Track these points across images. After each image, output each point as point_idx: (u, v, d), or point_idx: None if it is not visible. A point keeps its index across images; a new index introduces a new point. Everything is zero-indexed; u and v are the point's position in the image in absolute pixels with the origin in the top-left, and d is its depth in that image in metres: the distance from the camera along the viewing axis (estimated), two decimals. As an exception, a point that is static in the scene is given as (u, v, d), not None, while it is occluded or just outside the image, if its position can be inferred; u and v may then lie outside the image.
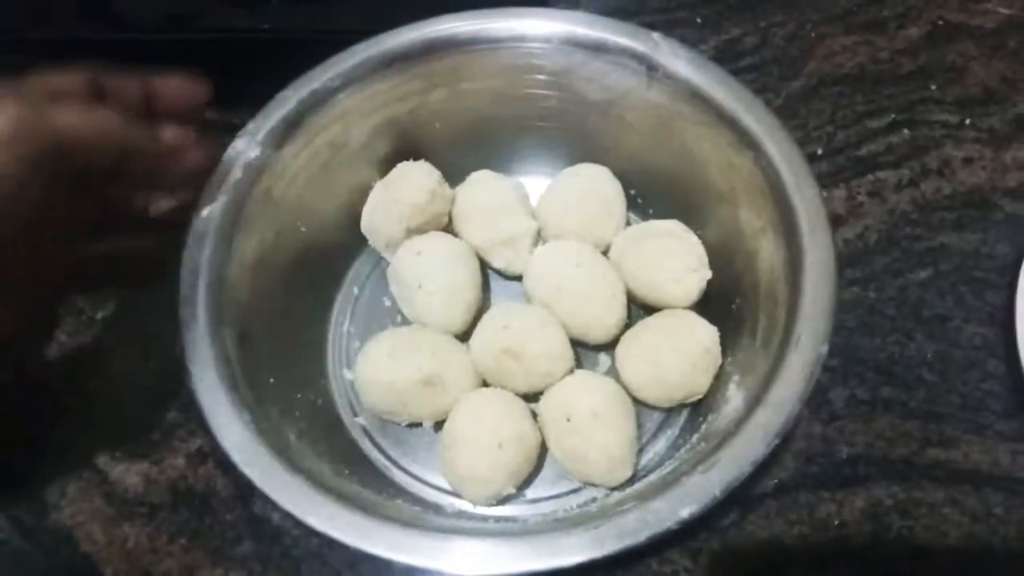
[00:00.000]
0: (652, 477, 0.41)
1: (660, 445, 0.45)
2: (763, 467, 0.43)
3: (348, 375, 0.48)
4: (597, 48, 0.46)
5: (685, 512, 0.34)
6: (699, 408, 0.44)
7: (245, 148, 0.44)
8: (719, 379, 0.43)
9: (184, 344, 0.38)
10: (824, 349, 0.36)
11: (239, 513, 0.45)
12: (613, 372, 0.46)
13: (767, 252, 0.41)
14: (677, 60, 0.44)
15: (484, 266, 0.50)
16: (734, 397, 0.39)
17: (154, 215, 0.42)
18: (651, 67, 0.45)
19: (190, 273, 0.40)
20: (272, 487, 0.36)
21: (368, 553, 0.34)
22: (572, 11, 0.47)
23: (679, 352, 0.43)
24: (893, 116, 0.56)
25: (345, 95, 0.46)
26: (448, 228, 0.51)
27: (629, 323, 0.47)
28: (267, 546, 0.44)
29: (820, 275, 0.38)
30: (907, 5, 0.61)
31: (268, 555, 0.44)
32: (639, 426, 0.44)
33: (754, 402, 0.36)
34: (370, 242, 0.50)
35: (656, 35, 0.45)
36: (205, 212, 0.42)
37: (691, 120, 0.45)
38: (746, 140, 0.42)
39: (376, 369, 0.44)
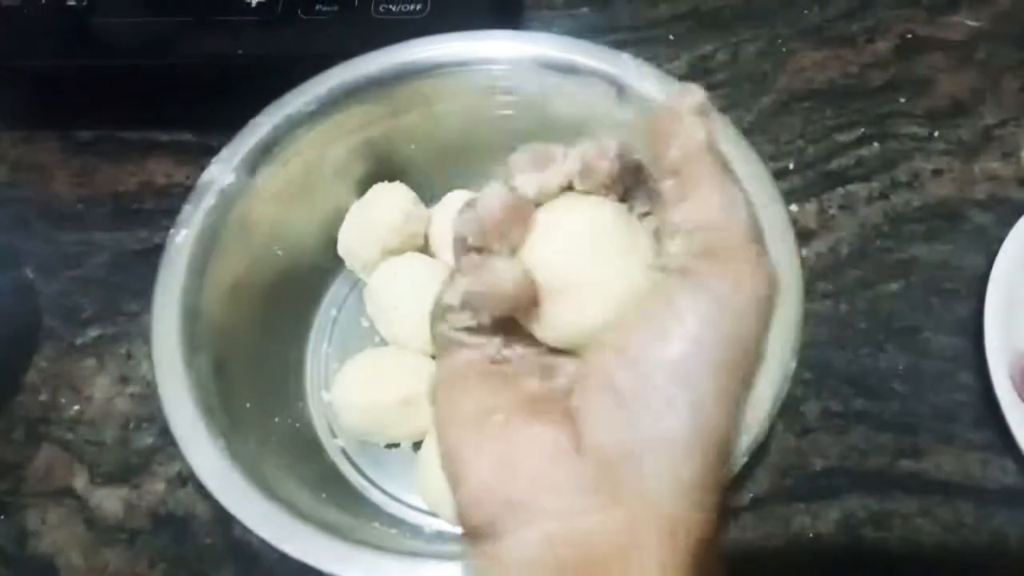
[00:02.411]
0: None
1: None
2: (738, 481, 0.45)
3: (326, 397, 0.48)
4: (567, 69, 0.46)
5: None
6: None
7: (219, 174, 0.44)
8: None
9: (157, 371, 0.39)
10: (793, 364, 0.37)
11: (219, 537, 0.45)
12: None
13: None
14: (645, 80, 0.45)
15: (461, 285, 0.51)
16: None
17: None
18: (620, 87, 0.45)
19: (164, 299, 0.40)
20: (247, 514, 0.36)
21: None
22: (541, 33, 0.47)
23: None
24: (863, 130, 0.57)
25: (319, 119, 0.47)
26: (424, 249, 0.51)
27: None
28: (247, 570, 0.45)
29: (786, 292, 0.38)
30: (876, 19, 0.62)
31: (248, 579, 0.45)
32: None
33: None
34: (347, 264, 0.51)
35: (625, 55, 0.46)
36: (179, 238, 0.42)
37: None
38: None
39: (353, 391, 0.45)
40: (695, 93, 0.24)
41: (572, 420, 0.23)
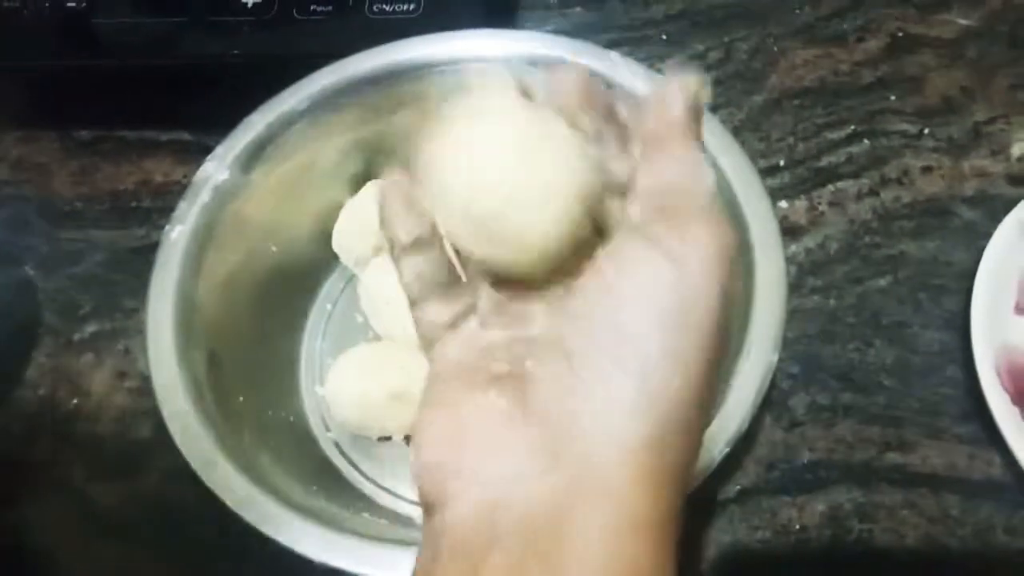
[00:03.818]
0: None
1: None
2: (726, 473, 0.45)
3: (320, 391, 0.49)
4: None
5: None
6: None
7: (214, 171, 0.45)
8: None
9: (152, 365, 0.39)
10: (775, 357, 0.38)
11: (214, 530, 0.46)
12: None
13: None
14: (635, 79, 0.46)
15: (454, 281, 0.51)
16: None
17: None
18: (610, 86, 0.46)
19: (159, 294, 0.41)
20: (242, 506, 0.37)
21: (339, 569, 0.35)
22: (531, 32, 0.48)
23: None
24: (853, 127, 0.57)
25: (313, 117, 0.48)
26: (418, 245, 0.52)
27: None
28: (242, 561, 0.45)
29: (771, 286, 0.39)
30: (867, 18, 0.62)
31: (244, 571, 0.45)
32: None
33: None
34: (341, 260, 0.51)
35: (614, 54, 0.47)
36: (174, 234, 0.43)
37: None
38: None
39: (346, 385, 0.45)
40: (690, 75, 0.24)
41: (523, 390, 0.23)
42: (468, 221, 0.23)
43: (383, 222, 0.26)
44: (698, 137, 0.24)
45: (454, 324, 0.26)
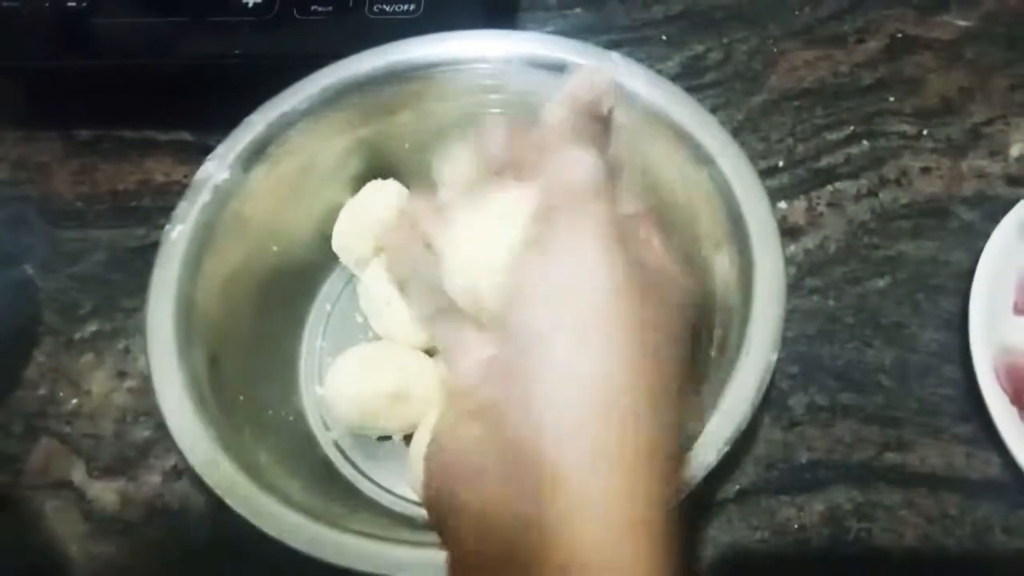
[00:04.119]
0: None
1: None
2: (725, 473, 0.45)
3: (320, 390, 0.49)
4: (557, 68, 0.47)
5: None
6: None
7: (214, 171, 0.45)
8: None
9: (152, 364, 0.39)
10: (774, 356, 0.38)
11: (213, 529, 0.46)
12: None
13: (722, 263, 0.42)
14: (635, 79, 0.46)
15: (453, 281, 0.51)
16: (691, 406, 0.41)
17: None
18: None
19: (159, 293, 0.41)
20: (241, 505, 0.37)
21: (338, 566, 0.35)
22: (532, 32, 0.48)
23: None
24: (852, 128, 0.57)
25: (313, 118, 0.47)
26: (417, 245, 0.52)
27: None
28: (241, 560, 0.45)
29: (770, 285, 0.39)
30: (866, 19, 0.62)
31: (243, 570, 0.45)
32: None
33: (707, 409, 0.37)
34: (341, 260, 0.51)
35: (614, 55, 0.47)
36: (174, 234, 0.43)
37: (650, 137, 0.46)
38: (701, 156, 0.44)
39: (345, 384, 0.45)
40: (583, 74, 0.27)
41: (498, 413, 0.24)
42: (467, 297, 0.28)
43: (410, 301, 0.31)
44: (586, 134, 0.26)
45: (462, 334, 0.28)
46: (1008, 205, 0.50)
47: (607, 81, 0.27)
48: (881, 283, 0.51)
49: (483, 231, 0.27)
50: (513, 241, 0.26)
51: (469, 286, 0.28)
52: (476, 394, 0.25)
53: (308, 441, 0.48)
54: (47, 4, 0.57)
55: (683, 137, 0.44)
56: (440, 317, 0.29)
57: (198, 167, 0.45)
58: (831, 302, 0.51)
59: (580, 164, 0.25)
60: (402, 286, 0.30)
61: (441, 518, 0.25)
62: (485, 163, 0.28)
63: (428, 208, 0.29)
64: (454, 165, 0.29)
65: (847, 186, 0.55)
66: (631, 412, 0.22)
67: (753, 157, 0.48)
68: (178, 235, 0.43)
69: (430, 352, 0.48)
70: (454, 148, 0.29)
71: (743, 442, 0.40)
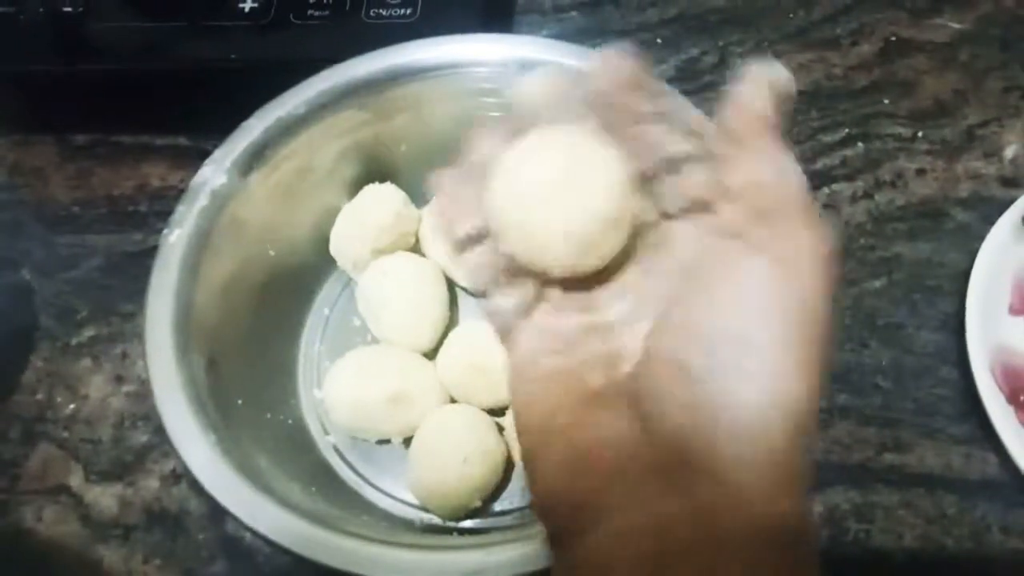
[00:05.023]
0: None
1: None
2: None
3: (318, 394, 0.49)
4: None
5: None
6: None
7: (212, 175, 0.45)
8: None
9: (150, 368, 0.39)
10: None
11: (212, 533, 0.46)
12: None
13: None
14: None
15: (451, 284, 0.51)
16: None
17: None
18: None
19: (157, 298, 0.41)
20: (240, 509, 0.37)
21: (338, 569, 0.35)
22: (527, 36, 0.48)
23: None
24: (847, 130, 0.57)
25: (310, 121, 0.48)
26: (415, 248, 0.52)
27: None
28: (240, 565, 0.45)
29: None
30: (860, 22, 0.63)
31: (241, 574, 0.45)
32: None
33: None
34: (339, 263, 0.51)
35: (610, 58, 0.47)
36: (172, 238, 0.43)
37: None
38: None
39: (344, 388, 0.45)
40: (776, 70, 0.23)
41: (637, 408, 0.22)
42: (523, 238, 0.25)
43: (441, 214, 0.26)
44: (782, 134, 0.23)
45: (526, 312, 0.26)
46: (1003, 206, 0.51)
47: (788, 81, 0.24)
48: (877, 284, 0.51)
49: (554, 172, 0.24)
50: (604, 192, 0.24)
51: (532, 231, 0.24)
52: (596, 372, 0.24)
53: (307, 445, 0.47)
54: (43, 9, 0.57)
55: (680, 139, 0.45)
56: (481, 241, 0.26)
57: (195, 172, 0.45)
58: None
59: (797, 169, 0.23)
60: (454, 249, 0.26)
61: (569, 521, 0.22)
62: (586, 99, 0.25)
63: (495, 140, 0.26)
64: (535, 87, 0.26)
65: (843, 188, 0.55)
66: (807, 436, 0.21)
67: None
68: (176, 239, 0.43)
69: (428, 355, 0.48)
70: (538, 73, 0.26)
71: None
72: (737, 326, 0.21)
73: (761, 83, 0.23)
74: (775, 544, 0.20)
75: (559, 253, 0.25)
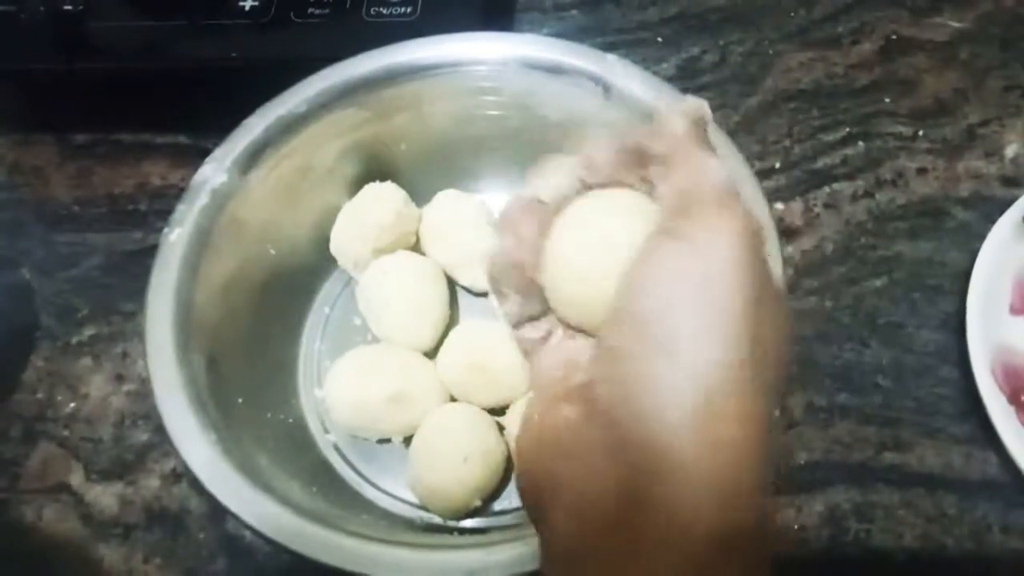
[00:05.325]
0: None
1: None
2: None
3: (319, 393, 0.49)
4: (553, 70, 0.47)
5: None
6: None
7: (212, 174, 0.45)
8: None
9: (151, 367, 0.39)
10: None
11: (212, 532, 0.46)
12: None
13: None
14: (630, 80, 0.46)
15: (452, 283, 0.51)
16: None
17: None
18: (606, 87, 0.46)
19: (158, 296, 0.41)
20: (240, 507, 0.37)
21: (338, 569, 0.35)
22: (528, 34, 0.48)
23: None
24: (848, 129, 0.57)
25: (311, 120, 0.48)
26: (415, 247, 0.52)
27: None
28: (240, 564, 0.45)
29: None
30: (861, 21, 0.63)
31: (242, 573, 0.45)
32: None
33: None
34: (339, 262, 0.51)
35: (610, 56, 0.47)
36: (172, 237, 0.43)
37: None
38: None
39: (345, 387, 0.45)
40: (691, 101, 0.26)
41: (589, 395, 0.25)
42: (575, 312, 0.28)
43: (506, 255, 0.29)
44: (706, 146, 0.26)
45: (545, 338, 0.29)
46: (1004, 205, 0.51)
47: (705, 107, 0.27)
48: (878, 284, 0.51)
49: (592, 239, 0.27)
50: (626, 248, 0.25)
51: (575, 294, 0.27)
52: (566, 381, 0.27)
53: (307, 444, 0.47)
54: (43, 7, 0.57)
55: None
56: (529, 322, 0.29)
57: (195, 170, 0.45)
58: (828, 303, 0.51)
59: (717, 168, 0.25)
60: (496, 289, 0.29)
61: (537, 499, 0.25)
62: (589, 174, 0.28)
63: (531, 212, 0.28)
64: (551, 175, 0.29)
65: (843, 187, 0.55)
66: (737, 401, 0.22)
67: (749, 159, 0.48)
68: (176, 238, 0.43)
69: (429, 354, 0.48)
70: (549, 161, 0.29)
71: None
72: (652, 305, 0.23)
73: (673, 111, 0.26)
74: (712, 503, 0.22)
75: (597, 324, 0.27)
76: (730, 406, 0.22)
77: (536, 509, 0.25)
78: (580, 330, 0.28)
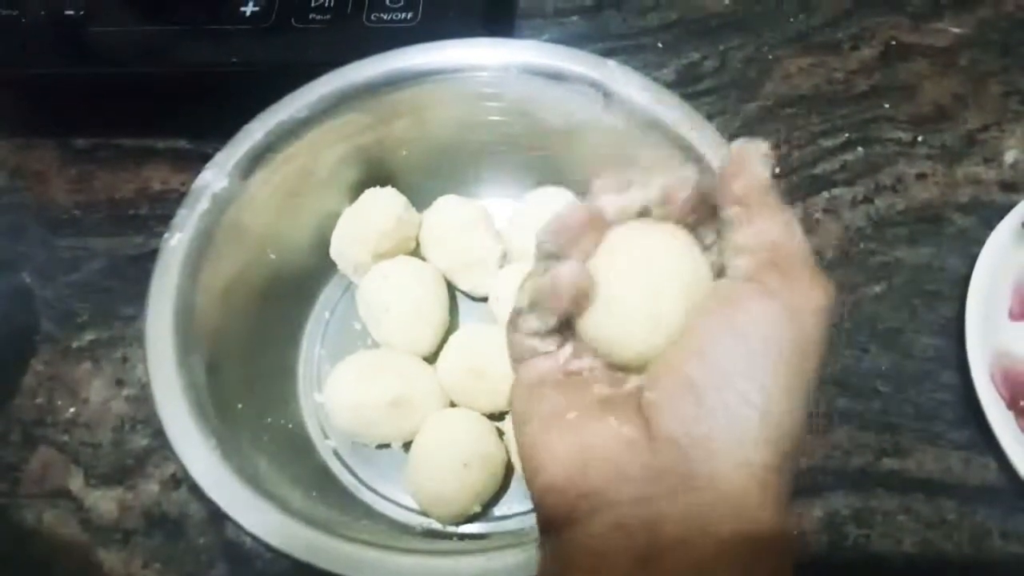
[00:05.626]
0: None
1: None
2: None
3: (319, 398, 0.49)
4: (554, 76, 0.47)
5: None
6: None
7: (213, 179, 0.45)
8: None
9: (151, 372, 0.39)
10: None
11: (212, 537, 0.46)
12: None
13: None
14: (630, 86, 0.46)
15: (451, 288, 0.51)
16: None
17: None
18: (606, 93, 0.46)
19: (158, 301, 0.41)
20: (240, 512, 0.37)
21: (336, 574, 0.35)
22: (529, 41, 0.48)
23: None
24: (847, 135, 0.58)
25: (312, 125, 0.48)
26: (416, 252, 0.52)
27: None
28: (240, 569, 0.45)
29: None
30: (861, 26, 0.63)
31: (241, 577, 0.45)
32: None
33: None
34: (339, 267, 0.51)
35: (611, 62, 0.47)
36: (173, 242, 0.43)
37: (646, 143, 0.46)
38: (696, 161, 0.44)
39: (344, 392, 0.45)
40: (760, 144, 0.26)
41: (643, 415, 0.25)
42: (607, 350, 0.27)
43: (531, 304, 0.27)
44: (781, 200, 0.26)
45: (551, 353, 0.28)
46: (1003, 211, 0.51)
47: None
48: (877, 289, 0.51)
49: (653, 275, 0.26)
50: (677, 289, 0.26)
51: (616, 326, 0.26)
52: (602, 383, 0.27)
53: (307, 449, 0.48)
54: (44, 12, 0.57)
55: (679, 144, 0.45)
56: (539, 337, 0.28)
57: (196, 175, 0.45)
58: (828, 308, 0.51)
59: (797, 224, 0.26)
60: (532, 305, 0.27)
61: (572, 508, 0.25)
62: (661, 203, 0.27)
63: (594, 228, 0.27)
64: (623, 191, 0.27)
65: (843, 193, 0.55)
66: (793, 459, 0.24)
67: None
68: (177, 243, 0.43)
69: (429, 359, 0.48)
70: (615, 173, 0.28)
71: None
72: (742, 354, 0.24)
73: (753, 152, 0.26)
74: (757, 549, 0.22)
75: (633, 358, 0.27)
76: (790, 467, 0.24)
77: (566, 514, 0.25)
78: (608, 361, 0.27)
